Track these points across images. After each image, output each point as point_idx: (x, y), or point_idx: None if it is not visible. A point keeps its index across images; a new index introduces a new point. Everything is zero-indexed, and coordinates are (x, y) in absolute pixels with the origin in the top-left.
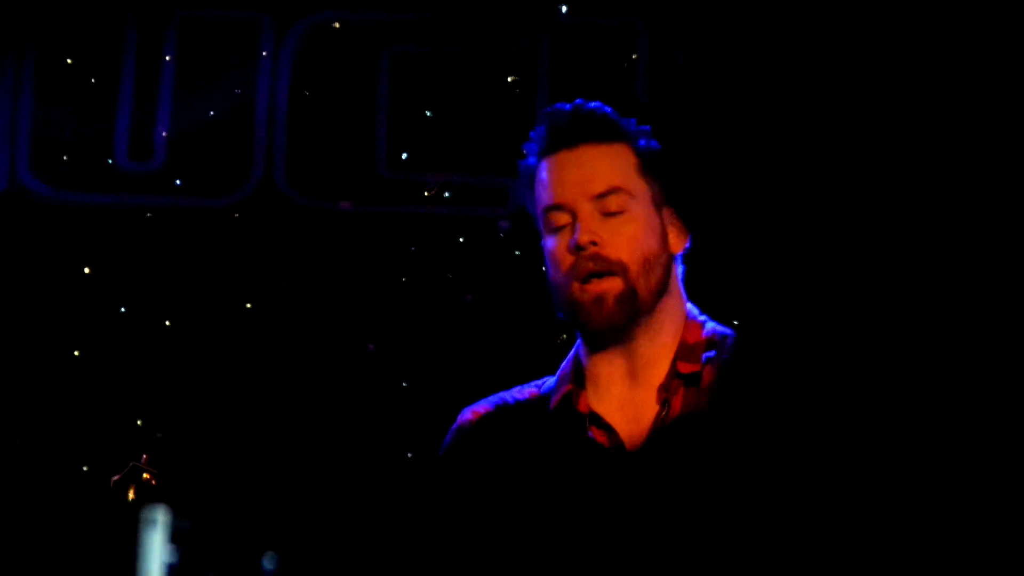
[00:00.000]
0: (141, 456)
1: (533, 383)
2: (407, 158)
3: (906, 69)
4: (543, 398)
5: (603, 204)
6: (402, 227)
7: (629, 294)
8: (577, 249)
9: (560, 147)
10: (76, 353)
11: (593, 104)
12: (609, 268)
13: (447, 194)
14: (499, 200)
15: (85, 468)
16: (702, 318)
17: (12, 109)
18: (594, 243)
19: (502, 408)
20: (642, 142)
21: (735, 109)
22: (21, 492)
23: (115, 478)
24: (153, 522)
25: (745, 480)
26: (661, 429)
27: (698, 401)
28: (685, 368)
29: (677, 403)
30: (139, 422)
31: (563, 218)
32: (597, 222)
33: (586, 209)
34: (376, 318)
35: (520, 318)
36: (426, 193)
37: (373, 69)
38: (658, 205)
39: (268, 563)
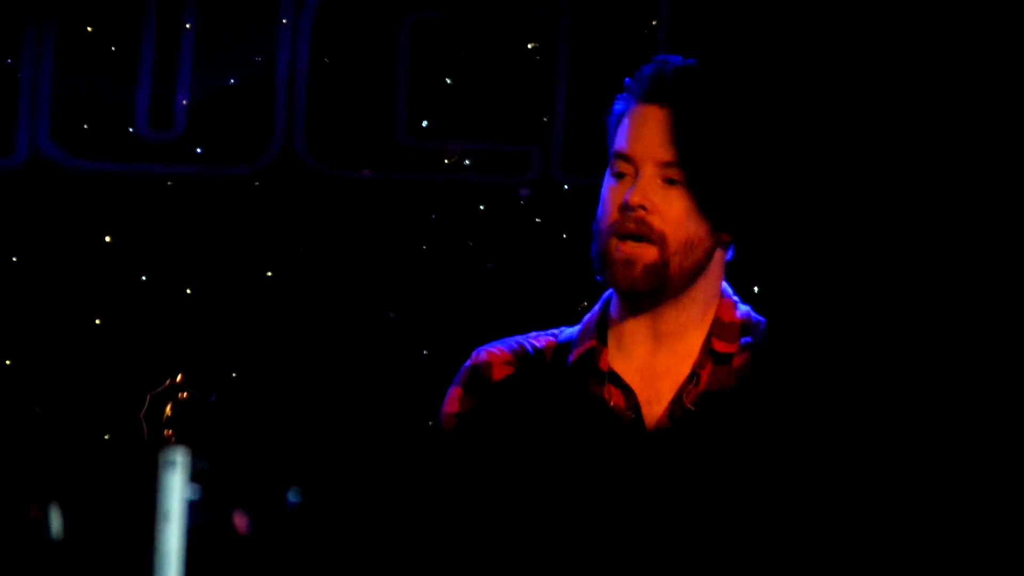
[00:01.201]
0: (177, 376)
1: (550, 332)
2: (427, 125)
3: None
4: (561, 348)
5: (667, 171)
6: (422, 195)
7: (660, 267)
8: (626, 207)
9: (651, 100)
10: (97, 322)
11: (698, 68)
12: (649, 235)
13: (467, 161)
14: (520, 167)
15: (106, 436)
16: (735, 298)
17: (33, 78)
18: (643, 207)
19: (522, 356)
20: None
21: (759, 78)
22: (43, 457)
23: (152, 394)
24: (173, 463)
25: (765, 464)
26: (683, 401)
27: (727, 380)
28: (720, 347)
29: (704, 378)
30: (159, 390)
31: (627, 168)
32: (655, 186)
33: (649, 170)
34: (396, 286)
35: (541, 286)
36: (446, 161)
37: (393, 36)
38: None
39: (293, 497)
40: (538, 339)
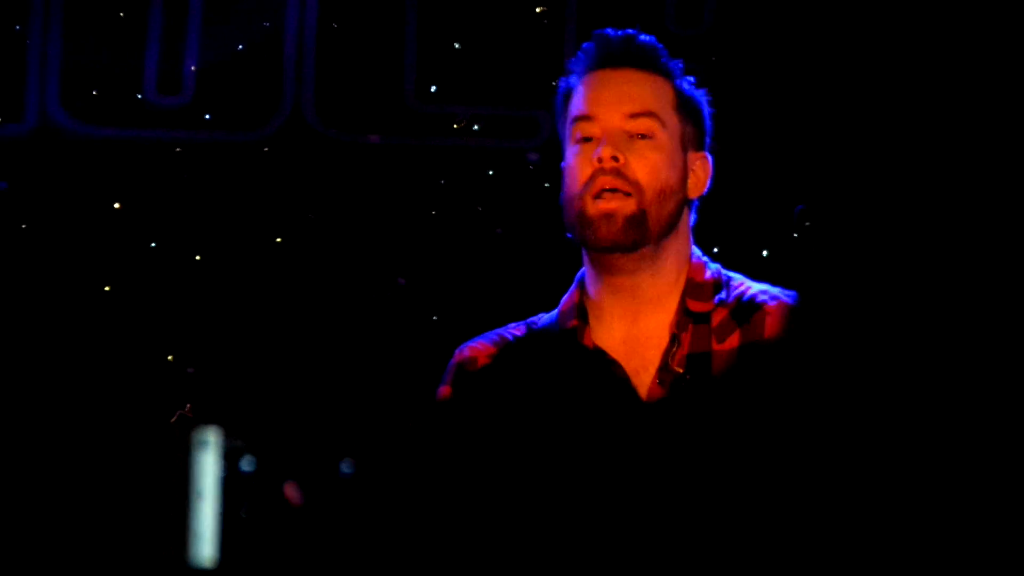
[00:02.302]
0: (186, 405)
1: (525, 321)
2: (436, 91)
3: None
4: (540, 334)
5: (634, 124)
6: (431, 160)
7: (640, 217)
8: (599, 163)
9: (604, 66)
10: (107, 288)
11: (645, 36)
12: (626, 188)
13: (476, 127)
14: (528, 132)
15: (116, 403)
16: (705, 259)
17: (41, 45)
18: (616, 159)
19: (503, 346)
20: (682, 84)
21: (769, 48)
22: (55, 427)
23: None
24: (205, 443)
25: (754, 424)
26: (670, 365)
27: (707, 340)
28: (696, 307)
29: (686, 340)
30: (170, 357)
31: (590, 129)
32: (624, 141)
33: (615, 126)
34: (406, 251)
35: (549, 250)
36: (455, 126)
37: (401, 1)
38: (685, 146)
39: (346, 467)
40: (517, 328)
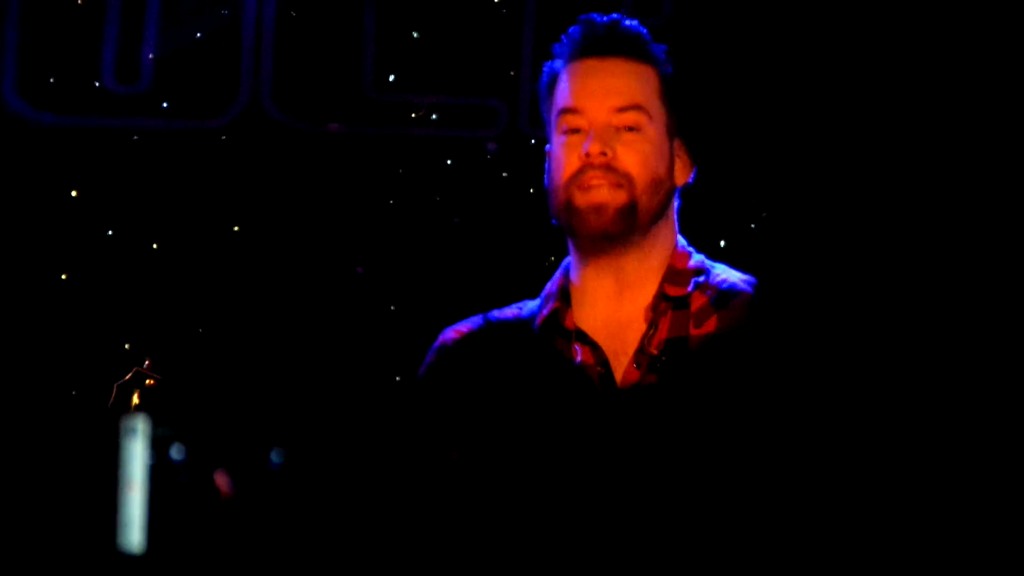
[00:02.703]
0: (144, 362)
1: (514, 305)
2: (394, 79)
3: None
4: (525, 320)
5: (621, 118)
6: (390, 149)
7: (630, 209)
8: (588, 158)
9: (590, 54)
10: (64, 277)
11: (630, 22)
12: (616, 180)
13: (434, 116)
14: (487, 121)
15: (73, 392)
16: (690, 249)
17: None
18: (605, 153)
19: (486, 327)
20: (666, 71)
21: (729, 38)
22: (8, 413)
23: (119, 383)
24: (134, 431)
25: (728, 409)
26: (646, 348)
27: (685, 325)
28: (673, 291)
29: (664, 325)
30: (127, 346)
31: (577, 122)
32: (611, 134)
33: (603, 119)
34: (364, 240)
35: (507, 240)
36: (413, 115)
37: None
38: (671, 134)
39: (276, 457)
40: (502, 312)
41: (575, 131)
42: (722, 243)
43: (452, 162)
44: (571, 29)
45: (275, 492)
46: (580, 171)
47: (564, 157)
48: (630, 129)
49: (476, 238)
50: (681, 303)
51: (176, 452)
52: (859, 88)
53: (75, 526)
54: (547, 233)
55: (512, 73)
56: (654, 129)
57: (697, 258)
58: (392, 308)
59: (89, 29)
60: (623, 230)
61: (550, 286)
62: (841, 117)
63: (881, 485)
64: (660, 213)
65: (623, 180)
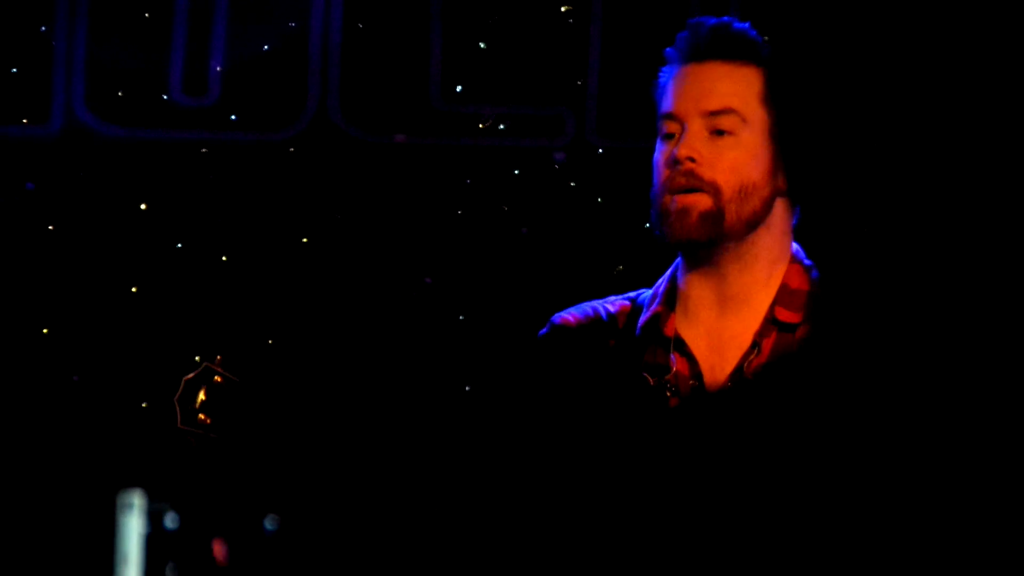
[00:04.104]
0: (215, 357)
1: (627, 295)
2: (461, 90)
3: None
4: (635, 311)
5: (713, 122)
6: (457, 160)
7: (715, 214)
8: (675, 163)
9: (690, 60)
10: (134, 289)
11: (735, 23)
12: (700, 186)
13: (501, 126)
14: (554, 131)
15: (144, 404)
16: (808, 263)
17: (67, 45)
18: (692, 159)
19: (594, 319)
20: (777, 71)
21: (794, 44)
22: (77, 428)
23: (187, 377)
24: (130, 506)
25: (825, 438)
26: (745, 371)
27: (789, 350)
28: (783, 316)
29: (767, 346)
30: (197, 358)
31: (673, 127)
32: (702, 139)
33: (695, 124)
34: (432, 251)
35: (576, 250)
36: (480, 125)
37: (426, 0)
38: (775, 136)
39: (269, 524)
40: (614, 303)
41: (670, 136)
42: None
43: (520, 172)
44: (679, 35)
45: (270, 560)
46: (670, 177)
47: (660, 162)
48: (722, 133)
49: (544, 248)
50: (788, 327)
51: (171, 521)
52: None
53: None
54: (614, 243)
55: (579, 82)
56: (750, 133)
57: (817, 275)
58: (461, 318)
59: (156, 42)
60: (709, 236)
61: (662, 282)
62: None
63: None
64: (756, 220)
65: (708, 186)
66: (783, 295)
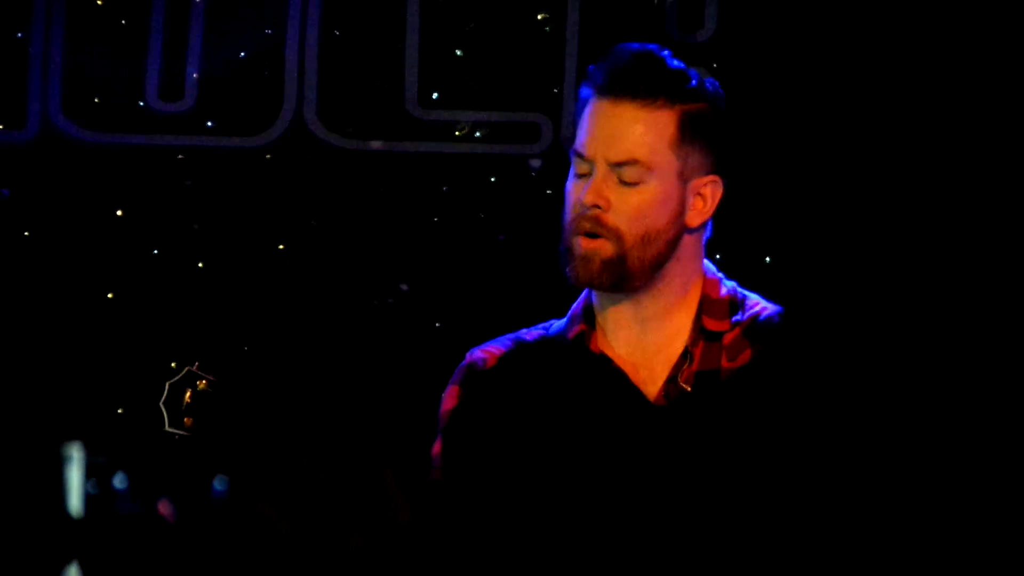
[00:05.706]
0: (194, 363)
1: (539, 326)
2: (437, 97)
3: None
4: (552, 340)
5: (619, 172)
6: (433, 166)
7: (617, 261)
8: (582, 207)
9: (606, 94)
10: (110, 296)
11: (658, 52)
12: (603, 233)
13: (478, 133)
14: (530, 138)
15: (120, 411)
16: (719, 275)
17: (44, 51)
18: (598, 206)
19: (514, 349)
20: (691, 109)
21: (772, 54)
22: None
23: (170, 382)
24: (70, 458)
25: (764, 442)
26: (679, 381)
27: (717, 357)
28: (712, 325)
29: (697, 356)
30: (173, 364)
31: (583, 167)
32: (609, 185)
33: (603, 169)
34: (408, 258)
35: (552, 257)
36: (457, 132)
37: (403, 7)
38: (686, 178)
39: (219, 485)
40: (529, 333)
41: (582, 175)
42: (767, 259)
43: (496, 179)
44: (600, 61)
45: (218, 520)
46: (576, 219)
47: (569, 199)
48: (627, 184)
49: (521, 255)
50: (715, 336)
51: (119, 481)
52: (913, 105)
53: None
54: None
55: (556, 90)
56: (657, 181)
57: (729, 285)
58: (437, 325)
59: (133, 48)
60: (612, 282)
61: (576, 307)
62: (887, 134)
63: (909, 513)
64: (661, 262)
65: (611, 233)
66: (707, 305)
